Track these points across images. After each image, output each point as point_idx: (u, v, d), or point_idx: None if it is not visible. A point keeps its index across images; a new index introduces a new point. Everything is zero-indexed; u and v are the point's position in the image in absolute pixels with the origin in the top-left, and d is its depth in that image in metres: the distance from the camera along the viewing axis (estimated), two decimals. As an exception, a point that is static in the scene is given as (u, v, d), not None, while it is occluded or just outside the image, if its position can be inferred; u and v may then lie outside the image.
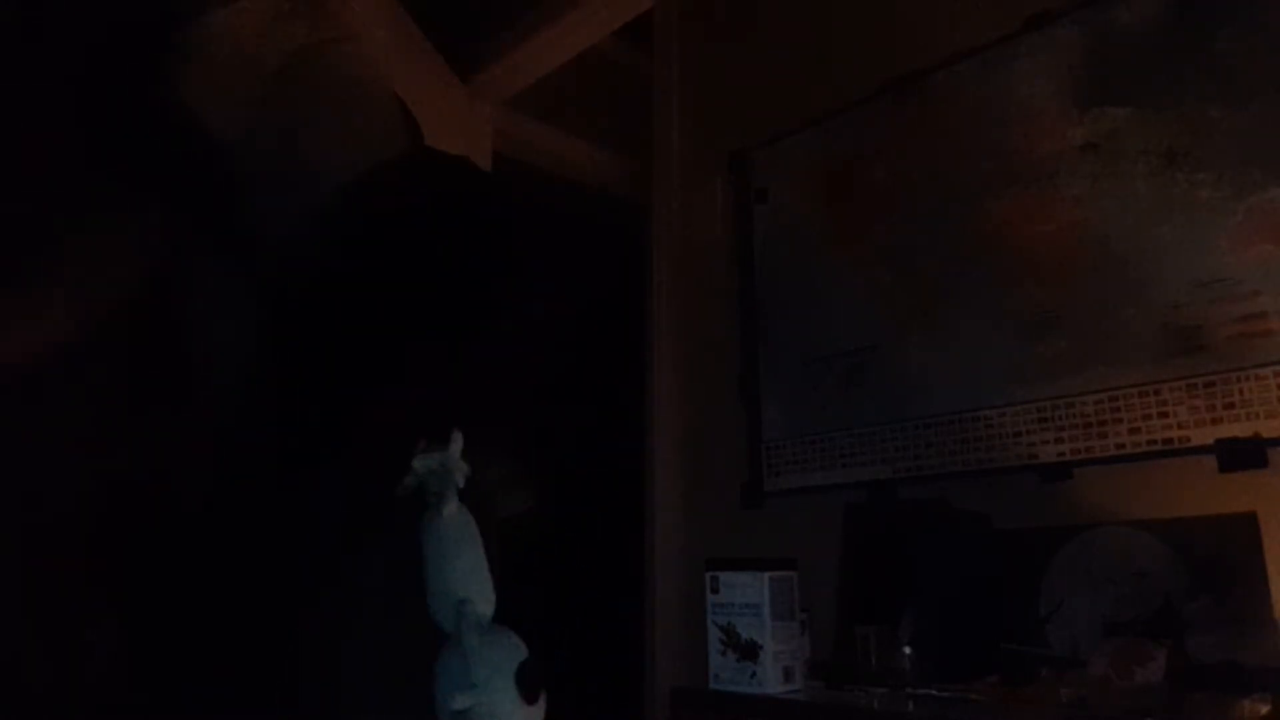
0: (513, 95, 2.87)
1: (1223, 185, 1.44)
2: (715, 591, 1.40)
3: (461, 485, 0.80)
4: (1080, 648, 1.39)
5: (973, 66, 1.78)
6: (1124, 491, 1.47)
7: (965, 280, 1.72)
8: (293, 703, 0.77)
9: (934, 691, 1.27)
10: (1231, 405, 1.39)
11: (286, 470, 0.81)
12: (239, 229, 0.85)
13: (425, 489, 0.81)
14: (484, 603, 0.81)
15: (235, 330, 0.84)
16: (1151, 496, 1.44)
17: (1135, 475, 1.47)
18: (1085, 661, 1.31)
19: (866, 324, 1.86)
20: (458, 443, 0.80)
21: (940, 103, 1.82)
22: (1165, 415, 1.45)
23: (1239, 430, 1.38)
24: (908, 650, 1.38)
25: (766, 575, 1.35)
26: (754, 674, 1.34)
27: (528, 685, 0.76)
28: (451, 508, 0.80)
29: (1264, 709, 1.14)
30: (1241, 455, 1.36)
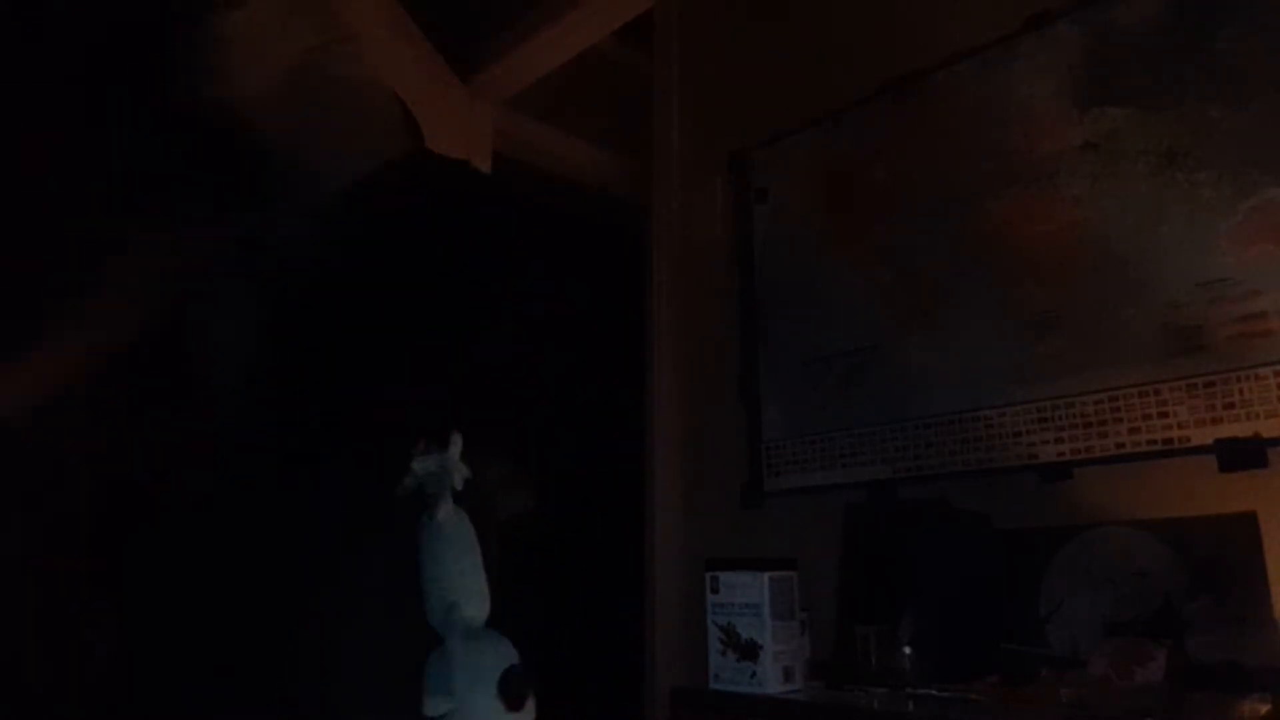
0: (513, 95, 2.87)
1: (1223, 185, 1.44)
2: (715, 591, 1.40)
3: (460, 487, 0.80)
4: (1080, 648, 1.39)
5: (973, 66, 1.78)
6: (1124, 491, 1.47)
7: (965, 280, 1.72)
8: (293, 703, 0.77)
9: (934, 691, 1.27)
10: (1231, 405, 1.39)
11: (286, 470, 0.81)
12: (245, 228, 0.86)
13: (424, 490, 0.81)
14: (475, 607, 0.80)
15: (236, 329, 0.84)
16: (1151, 496, 1.44)
17: (1135, 475, 1.47)
18: (1085, 661, 1.31)
19: (866, 324, 1.86)
20: (457, 445, 0.80)
21: (940, 103, 1.82)
22: (1165, 415, 1.45)
23: (1239, 430, 1.38)
24: (908, 650, 1.38)
25: (766, 575, 1.35)
26: (754, 674, 1.34)
27: (511, 691, 0.75)
28: (446, 510, 0.80)
29: (1264, 709, 1.14)
30: (1241, 455, 1.36)
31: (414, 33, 2.42)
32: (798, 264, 2.02)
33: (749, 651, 1.35)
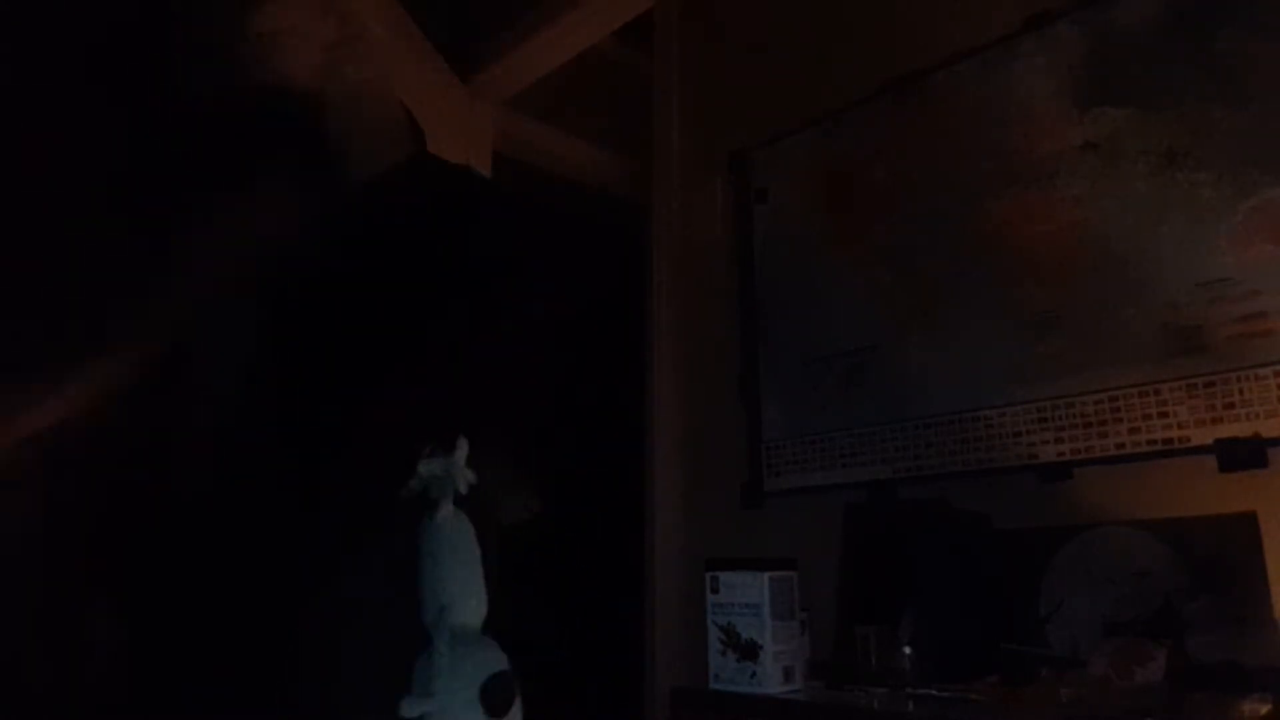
0: (513, 95, 2.87)
1: (1223, 185, 1.44)
2: (715, 591, 1.40)
3: (464, 492, 0.80)
4: (1080, 648, 1.39)
5: (973, 66, 1.78)
6: (1124, 491, 1.47)
7: (965, 280, 1.72)
8: (292, 703, 0.77)
9: (934, 691, 1.27)
10: (1231, 405, 1.39)
11: (286, 470, 0.81)
12: (254, 226, 0.86)
13: (428, 492, 0.81)
14: (468, 611, 0.80)
15: (238, 329, 0.84)
16: (1151, 496, 1.44)
17: (1135, 475, 1.47)
18: (1085, 661, 1.31)
19: (866, 324, 1.86)
20: (463, 450, 0.80)
21: (940, 103, 1.82)
22: (1165, 415, 1.45)
23: (1239, 430, 1.38)
24: (908, 650, 1.38)
25: (766, 575, 1.35)
26: (754, 674, 1.34)
27: (493, 698, 0.75)
28: (446, 513, 0.80)
29: (1264, 709, 1.14)
30: (1241, 455, 1.36)
31: (414, 33, 2.42)
32: (798, 264, 2.02)
33: (749, 651, 1.35)
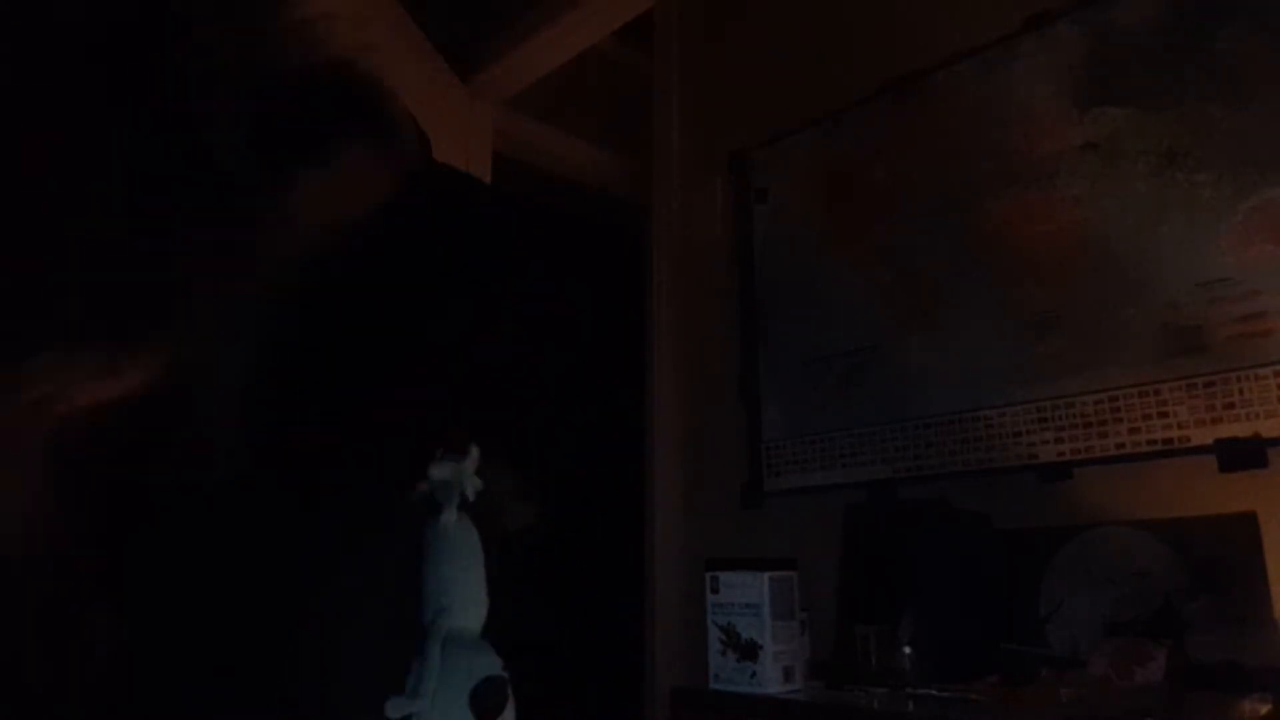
0: (513, 95, 2.87)
1: (1223, 185, 1.44)
2: (715, 591, 1.40)
3: (471, 498, 0.81)
4: (1080, 648, 1.39)
5: (973, 66, 1.78)
6: (1124, 491, 1.47)
7: (965, 280, 1.72)
8: (292, 703, 0.77)
9: (934, 691, 1.27)
10: (1231, 405, 1.39)
11: (287, 470, 0.81)
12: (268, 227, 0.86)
13: (435, 496, 0.82)
14: (467, 615, 0.81)
15: (238, 328, 0.84)
16: (1151, 496, 1.44)
17: (1135, 475, 1.47)
18: (1085, 661, 1.31)
19: (866, 324, 1.86)
20: (473, 457, 0.80)
21: (940, 103, 1.82)
22: (1165, 415, 1.45)
23: (1239, 430, 1.38)
24: (908, 650, 1.38)
25: (766, 575, 1.35)
26: (754, 674, 1.34)
27: (483, 702, 0.75)
28: (450, 516, 0.80)
29: (1264, 709, 1.14)
30: (1241, 455, 1.36)
31: (414, 33, 2.42)
32: (798, 264, 2.02)
33: (749, 651, 1.35)
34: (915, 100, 1.86)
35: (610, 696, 2.50)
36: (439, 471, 0.80)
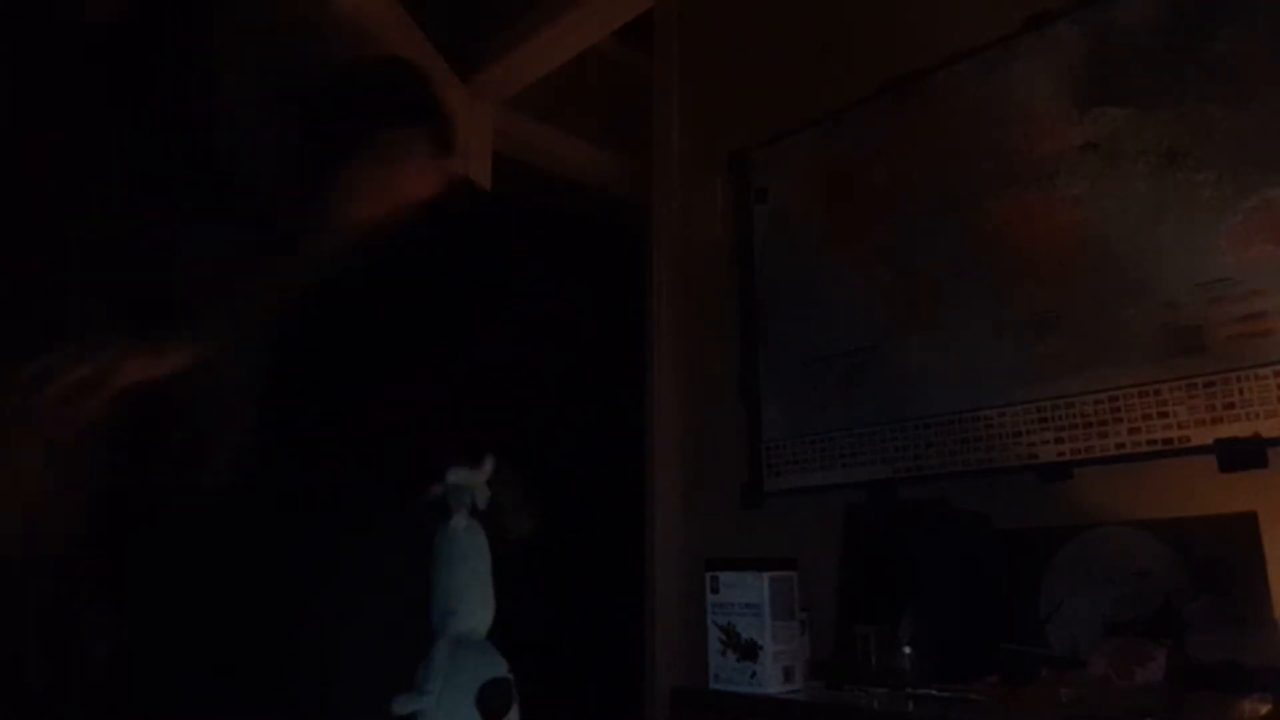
0: (513, 95, 2.87)
1: (1223, 185, 1.44)
2: (715, 591, 1.40)
3: (482, 506, 0.82)
4: (1080, 648, 1.39)
5: (973, 66, 1.78)
6: (1124, 491, 1.47)
7: (965, 280, 1.72)
8: (292, 703, 0.77)
9: (934, 691, 1.27)
10: (1231, 405, 1.39)
11: (287, 469, 0.81)
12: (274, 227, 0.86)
13: (446, 500, 0.83)
14: (475, 618, 0.82)
15: (261, 325, 0.84)
16: (1151, 496, 1.44)
17: (1135, 475, 1.47)
18: (1085, 661, 1.31)
19: (866, 324, 1.86)
20: (487, 467, 0.82)
21: (940, 103, 1.82)
22: (1165, 415, 1.45)
23: (1239, 430, 1.38)
24: (908, 650, 1.38)
25: (766, 575, 1.35)
26: (754, 674, 1.34)
27: (490, 703, 0.76)
28: (460, 520, 0.82)
29: (1264, 709, 1.14)
30: (1241, 455, 1.36)
31: (414, 33, 2.42)
32: (798, 264, 2.02)
33: (749, 651, 1.35)
34: (915, 100, 1.86)
35: (610, 696, 2.50)
36: (455, 476, 0.81)
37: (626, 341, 2.60)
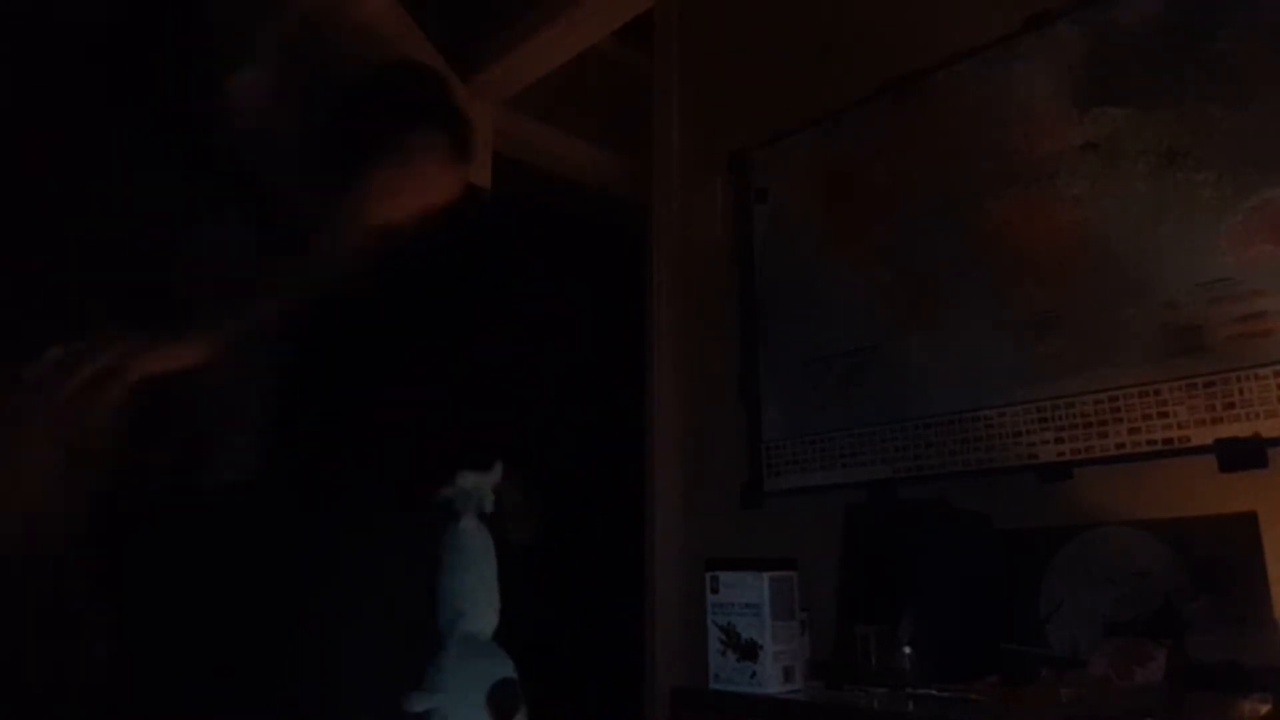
0: (513, 95, 2.87)
1: (1223, 185, 1.44)
2: (715, 591, 1.40)
3: (488, 510, 0.84)
4: (1080, 648, 1.39)
5: (973, 66, 1.78)
6: (1124, 491, 1.47)
7: (965, 280, 1.72)
8: (293, 702, 0.77)
9: (934, 691, 1.27)
10: (1231, 405, 1.39)
11: (294, 469, 0.81)
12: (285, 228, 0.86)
13: (453, 503, 0.84)
14: (482, 618, 0.83)
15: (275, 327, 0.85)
16: (1151, 496, 1.44)
17: (1135, 475, 1.47)
18: (1085, 661, 1.31)
19: (866, 324, 1.86)
20: (496, 473, 0.83)
21: (940, 103, 1.82)
22: (1165, 415, 1.45)
23: (1239, 430, 1.38)
24: (908, 650, 1.38)
25: (766, 575, 1.35)
26: (754, 674, 1.34)
27: (500, 703, 0.77)
28: (469, 525, 0.83)
29: (1264, 709, 1.14)
30: (1241, 455, 1.36)
31: (414, 33, 2.42)
32: (798, 264, 2.02)
33: (749, 651, 1.35)
34: (915, 100, 1.86)
35: (610, 696, 2.50)
36: (465, 480, 0.83)
37: (626, 341, 2.60)
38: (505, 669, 0.80)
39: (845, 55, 2.02)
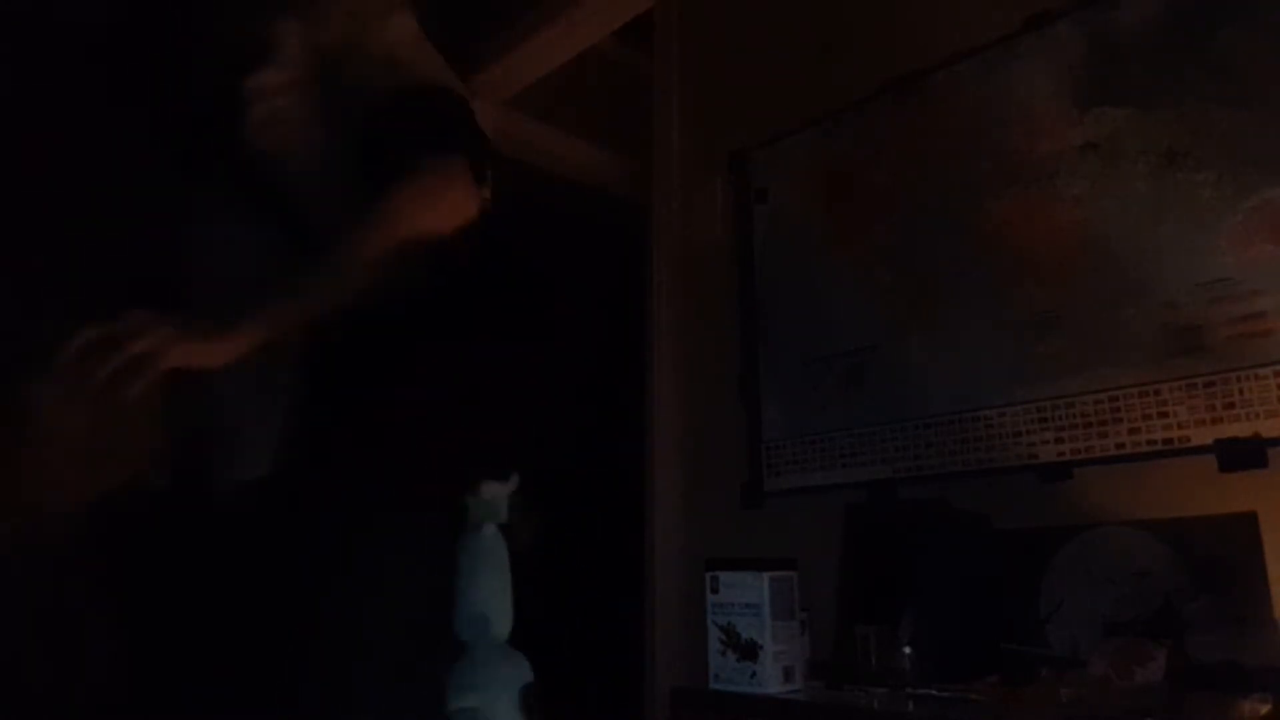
0: (513, 95, 2.87)
1: (1223, 185, 1.44)
2: (715, 591, 1.40)
3: (503, 519, 0.86)
4: (1080, 648, 1.39)
5: (973, 66, 1.78)
6: (1124, 491, 1.47)
7: (965, 280, 1.72)
8: (293, 703, 0.77)
9: (934, 691, 1.27)
10: (1231, 405, 1.39)
11: (288, 471, 0.81)
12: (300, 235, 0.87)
13: (476, 513, 0.87)
14: (502, 623, 0.86)
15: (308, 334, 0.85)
16: (1151, 496, 1.44)
17: (1135, 475, 1.47)
18: (1085, 661, 1.31)
19: (866, 324, 1.86)
20: (513, 483, 0.85)
21: (940, 103, 1.82)
22: (1165, 415, 1.45)
23: (1239, 430, 1.38)
24: (908, 650, 1.38)
25: (766, 575, 1.35)
26: (754, 674, 1.34)
27: (530, 704, 0.80)
28: (490, 531, 0.86)
29: (1264, 709, 1.14)
30: (1241, 455, 1.36)
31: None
32: (798, 264, 2.02)
33: (749, 651, 1.35)
34: (915, 100, 1.86)
35: (610, 696, 2.50)
36: (489, 491, 0.85)
37: (626, 341, 2.59)
38: (528, 672, 0.84)
39: (845, 55, 2.02)
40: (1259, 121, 1.42)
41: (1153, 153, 1.52)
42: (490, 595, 0.86)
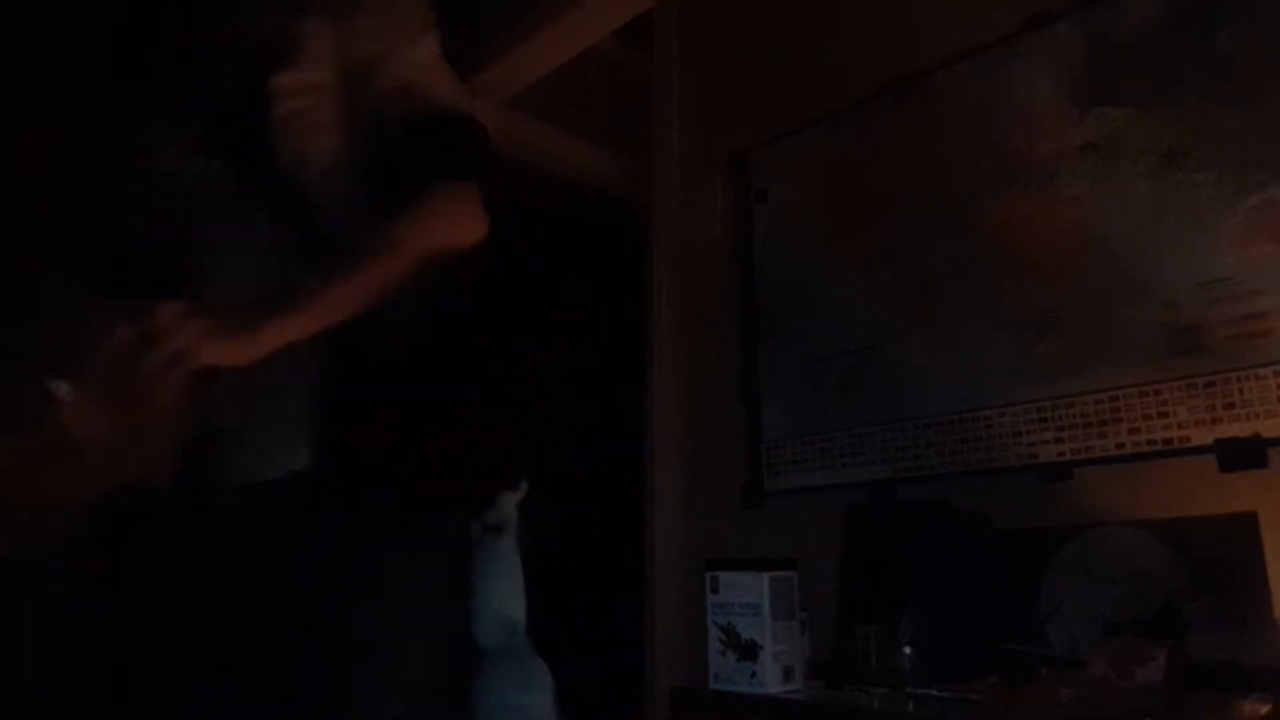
0: (513, 95, 2.87)
1: (1223, 185, 1.44)
2: (715, 591, 1.40)
3: (514, 524, 0.88)
4: (1080, 648, 1.39)
5: (973, 66, 1.78)
6: (1124, 491, 1.47)
7: (965, 280, 1.72)
8: (293, 703, 0.77)
9: (934, 691, 1.27)
10: (1231, 405, 1.39)
11: (301, 474, 0.81)
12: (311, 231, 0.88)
13: (495, 520, 0.89)
14: (521, 626, 0.88)
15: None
16: (1151, 496, 1.44)
17: (1135, 475, 1.47)
18: (1085, 661, 1.31)
19: (866, 324, 1.86)
20: (523, 490, 0.87)
21: (940, 103, 1.82)
22: (1165, 415, 1.45)
23: (1239, 430, 1.38)
24: (908, 650, 1.38)
25: (766, 575, 1.36)
26: (754, 674, 1.34)
27: (565, 702, 0.84)
28: (509, 538, 0.88)
29: (1264, 709, 1.14)
30: (1241, 455, 1.36)
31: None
32: (798, 264, 2.02)
33: (749, 651, 1.35)
34: (915, 100, 1.86)
35: (610, 696, 2.50)
36: (507, 500, 0.87)
37: (626, 341, 2.59)
38: (548, 673, 0.87)
39: (845, 55, 2.02)
40: (1259, 121, 1.42)
41: (1153, 153, 1.52)
42: (513, 598, 0.88)
